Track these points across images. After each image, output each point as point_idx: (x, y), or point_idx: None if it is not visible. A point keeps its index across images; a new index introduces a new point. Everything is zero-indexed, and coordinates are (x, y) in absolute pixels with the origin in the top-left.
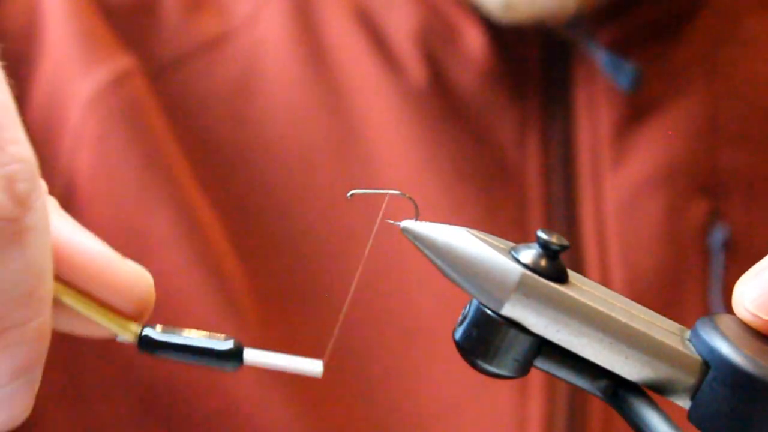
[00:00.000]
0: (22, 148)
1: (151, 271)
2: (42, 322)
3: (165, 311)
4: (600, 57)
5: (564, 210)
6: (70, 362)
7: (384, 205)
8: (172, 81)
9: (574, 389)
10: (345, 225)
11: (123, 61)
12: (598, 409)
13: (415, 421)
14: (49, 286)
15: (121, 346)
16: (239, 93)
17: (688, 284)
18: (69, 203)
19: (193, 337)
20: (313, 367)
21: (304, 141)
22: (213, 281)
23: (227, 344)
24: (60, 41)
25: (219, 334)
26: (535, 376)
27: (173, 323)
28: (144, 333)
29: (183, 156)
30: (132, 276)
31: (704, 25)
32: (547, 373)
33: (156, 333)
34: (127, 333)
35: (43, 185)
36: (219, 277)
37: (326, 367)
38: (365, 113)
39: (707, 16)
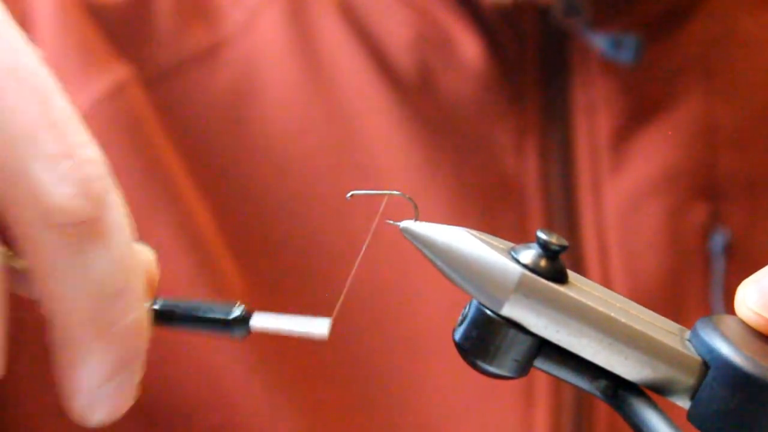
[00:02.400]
0: (91, 150)
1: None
2: (137, 317)
3: None
4: (598, 41)
5: (564, 217)
6: None
7: (382, 206)
8: (169, 90)
9: (580, 396)
10: (344, 231)
11: (119, 72)
12: (604, 416)
13: (420, 429)
14: (139, 281)
15: None
16: (236, 100)
17: (690, 289)
18: None
19: (201, 306)
20: (320, 327)
21: (302, 148)
22: (214, 290)
23: (234, 312)
24: (54, 54)
25: (230, 302)
26: (540, 383)
27: (172, 340)
28: (157, 306)
29: (182, 164)
30: (137, 254)
31: (700, 26)
32: (547, 373)
33: (167, 305)
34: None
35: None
36: (220, 286)
37: (331, 335)
38: (362, 121)
39: (703, 17)
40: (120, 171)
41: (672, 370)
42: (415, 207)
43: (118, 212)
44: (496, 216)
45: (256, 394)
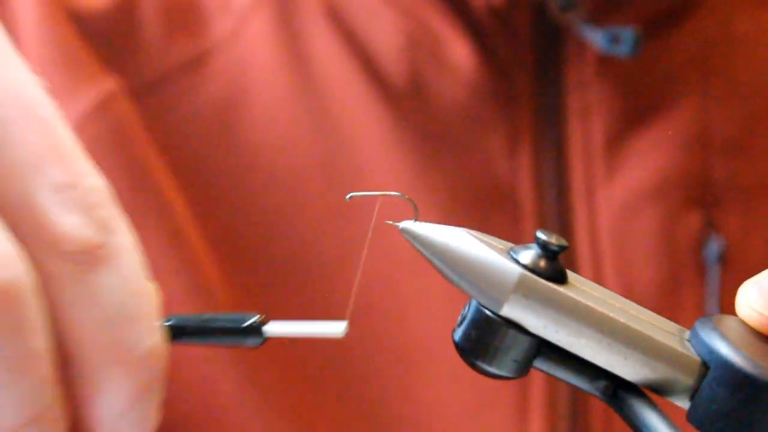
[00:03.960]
0: (95, 179)
1: None
2: (155, 341)
3: None
4: (595, 36)
5: (557, 223)
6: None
7: (377, 210)
8: (156, 101)
9: (575, 408)
10: (336, 241)
11: (106, 84)
12: (599, 427)
13: None
14: (153, 304)
15: None
16: (225, 110)
17: (684, 297)
18: None
19: (213, 318)
20: (336, 328)
21: (291, 156)
22: (204, 304)
23: (248, 320)
24: (39, 67)
25: (243, 314)
26: (535, 395)
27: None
28: (170, 323)
29: (170, 176)
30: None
31: (697, 27)
32: (546, 373)
33: (180, 320)
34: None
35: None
36: (209, 298)
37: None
38: (352, 127)
39: (700, 17)
40: (109, 184)
41: (671, 370)
42: (415, 207)
43: (125, 238)
44: (489, 221)
45: (248, 411)
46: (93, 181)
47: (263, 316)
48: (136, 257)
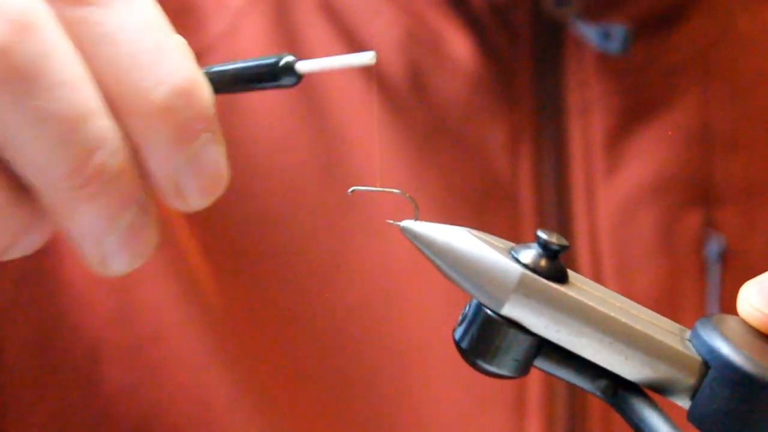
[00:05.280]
0: None
1: (137, 303)
2: (184, 79)
3: (154, 345)
4: (588, 32)
5: (557, 221)
6: (55, 397)
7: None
8: None
9: (573, 409)
10: (334, 240)
11: None
12: (597, 429)
13: None
14: (177, 46)
15: (106, 378)
16: (221, 110)
17: (684, 297)
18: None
19: (246, 65)
20: (366, 58)
21: (289, 155)
22: (197, 306)
23: (281, 60)
24: None
25: (274, 55)
26: (533, 396)
27: (161, 356)
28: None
29: None
30: None
31: (698, 25)
32: (547, 373)
33: (212, 71)
34: None
35: None
36: (203, 301)
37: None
38: (350, 128)
39: (701, 15)
40: None
41: (672, 369)
42: (416, 207)
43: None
44: (488, 219)
45: (244, 416)
46: None
47: (295, 56)
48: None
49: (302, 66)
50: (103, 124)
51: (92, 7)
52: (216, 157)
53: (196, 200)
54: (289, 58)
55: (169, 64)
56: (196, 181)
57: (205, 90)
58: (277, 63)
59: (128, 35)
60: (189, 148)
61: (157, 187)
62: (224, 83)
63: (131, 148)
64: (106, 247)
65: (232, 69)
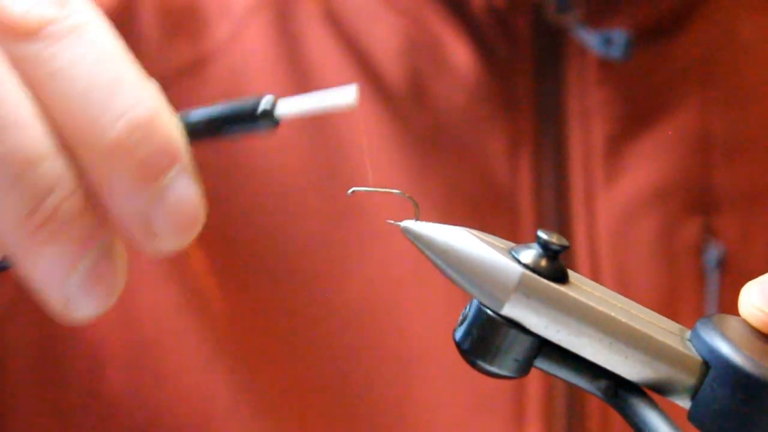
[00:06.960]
0: None
1: (138, 308)
2: (142, 111)
3: (155, 350)
4: (589, 38)
5: (556, 228)
6: (56, 401)
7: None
8: None
9: (571, 411)
10: (334, 244)
11: None
12: (596, 430)
13: None
14: (135, 76)
15: (108, 383)
16: None
17: (683, 304)
18: None
19: (221, 109)
20: (346, 96)
21: (290, 160)
22: (200, 318)
23: (259, 104)
24: None
25: (250, 98)
26: (531, 398)
27: (162, 361)
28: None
29: None
30: None
31: (699, 31)
32: (547, 373)
33: (186, 116)
34: None
35: None
36: (206, 312)
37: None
38: (351, 132)
39: (702, 21)
40: None
41: (673, 370)
42: (416, 207)
43: (87, 12)
44: (488, 225)
45: (244, 419)
46: None
47: (275, 96)
48: (104, 28)
49: (282, 109)
50: (55, 166)
51: (42, 43)
52: (188, 192)
53: (170, 240)
54: (268, 101)
55: (126, 98)
56: (167, 219)
57: (168, 122)
58: (255, 107)
59: (81, 69)
60: (155, 185)
61: (124, 228)
62: (199, 128)
63: (92, 188)
64: (68, 291)
65: (207, 113)
